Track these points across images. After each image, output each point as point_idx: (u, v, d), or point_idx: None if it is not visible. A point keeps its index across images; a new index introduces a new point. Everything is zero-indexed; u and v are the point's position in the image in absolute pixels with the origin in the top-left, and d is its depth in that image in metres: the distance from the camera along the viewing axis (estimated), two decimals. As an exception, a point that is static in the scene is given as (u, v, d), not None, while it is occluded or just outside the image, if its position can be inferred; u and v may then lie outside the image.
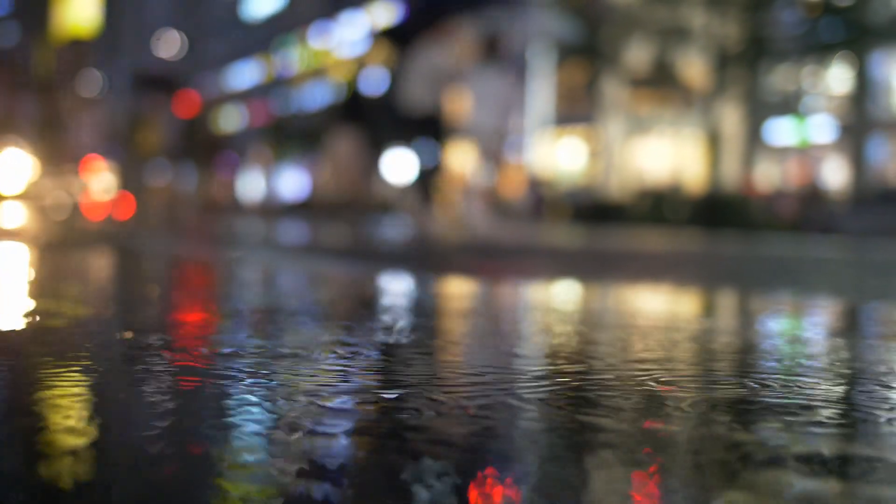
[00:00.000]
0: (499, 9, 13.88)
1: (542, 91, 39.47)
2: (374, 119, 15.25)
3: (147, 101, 70.64)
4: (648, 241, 11.62)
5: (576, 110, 37.96)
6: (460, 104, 11.43)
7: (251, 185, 64.14)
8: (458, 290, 3.77)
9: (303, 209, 41.04)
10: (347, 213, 17.02)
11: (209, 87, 71.41)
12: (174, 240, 8.76)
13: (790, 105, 31.08)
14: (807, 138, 31.62)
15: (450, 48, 11.89)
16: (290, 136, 55.07)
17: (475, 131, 11.39)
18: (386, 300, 3.21)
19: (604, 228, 18.40)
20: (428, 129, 11.43)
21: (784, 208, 22.51)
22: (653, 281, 4.47)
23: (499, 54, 11.89)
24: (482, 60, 11.50)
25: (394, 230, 12.29)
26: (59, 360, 1.60)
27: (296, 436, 1.10)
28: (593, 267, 5.88)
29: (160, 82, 71.81)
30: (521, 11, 17.46)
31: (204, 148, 42.53)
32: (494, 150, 11.50)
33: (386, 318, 2.46)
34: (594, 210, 23.78)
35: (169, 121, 66.77)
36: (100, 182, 40.77)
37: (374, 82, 15.81)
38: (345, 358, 1.68)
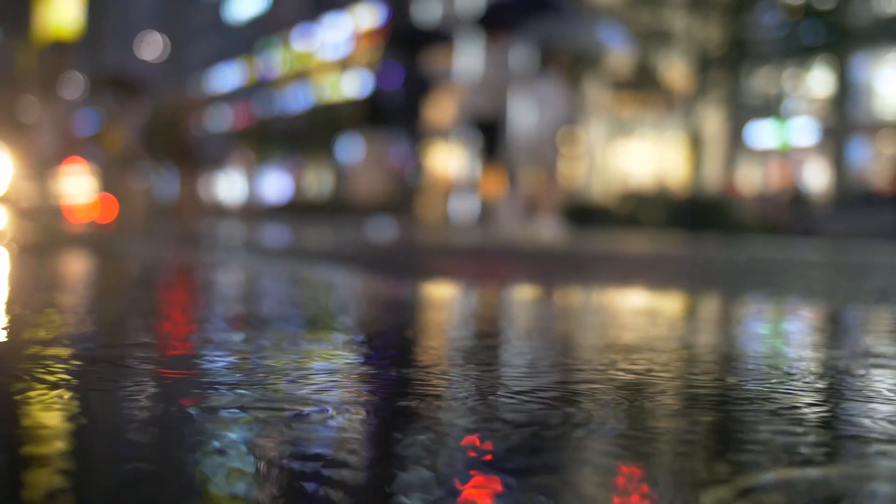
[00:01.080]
0: (554, 20, 14.07)
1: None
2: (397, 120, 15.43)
3: (108, 104, 70.24)
4: (630, 244, 11.64)
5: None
6: (517, 112, 11.71)
7: (233, 187, 63.96)
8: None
9: (285, 211, 40.97)
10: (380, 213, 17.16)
11: (192, 89, 71.16)
12: (154, 244, 8.72)
13: (772, 108, 31.15)
14: (788, 141, 31.71)
15: (506, 57, 12.21)
16: (273, 138, 54.95)
17: (530, 139, 11.61)
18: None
19: (587, 231, 18.42)
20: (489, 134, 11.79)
21: (766, 211, 22.55)
22: (639, 284, 4.46)
23: (553, 64, 12.09)
24: (538, 69, 11.72)
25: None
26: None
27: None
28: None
29: (120, 84, 71.54)
30: (577, 22, 17.80)
31: (178, 150, 42.34)
32: (547, 159, 11.67)
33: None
34: (577, 212, 23.75)
35: (131, 123, 66.45)
36: (80, 184, 40.56)
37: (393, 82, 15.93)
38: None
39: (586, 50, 22.78)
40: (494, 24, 12.94)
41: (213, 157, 51.80)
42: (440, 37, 22.01)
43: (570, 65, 20.39)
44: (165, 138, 47.92)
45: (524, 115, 11.61)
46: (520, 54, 13.32)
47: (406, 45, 16.94)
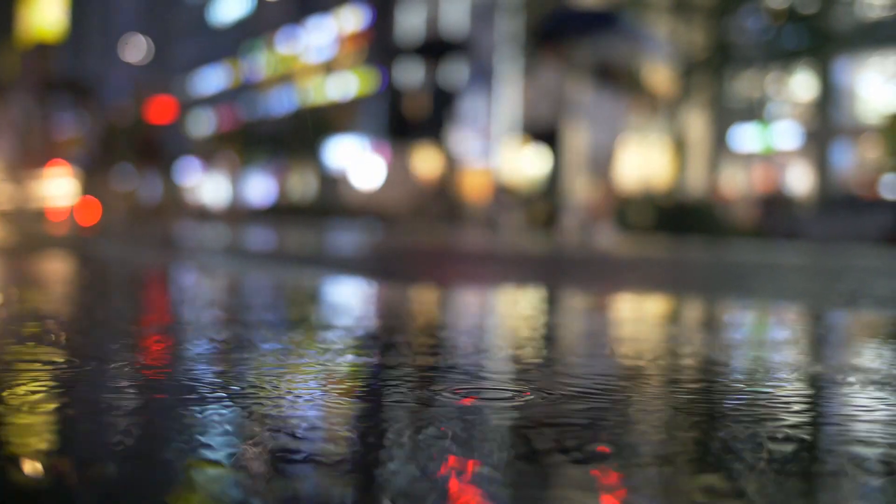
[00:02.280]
0: (612, 35, 14.48)
1: (508, 97, 39.51)
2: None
3: (57, 106, 70.30)
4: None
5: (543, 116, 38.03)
6: (576, 124, 12.05)
7: (217, 190, 63.90)
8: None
9: (269, 215, 40.92)
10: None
11: (176, 91, 71.05)
12: (135, 247, 8.68)
13: (755, 112, 31.22)
14: (771, 145, 31.78)
15: (565, 70, 12.51)
16: (257, 141, 54.92)
17: (589, 149, 11.92)
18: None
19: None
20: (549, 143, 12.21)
21: (749, 214, 22.60)
22: (629, 289, 4.44)
23: (611, 78, 12.39)
24: (595, 83, 12.00)
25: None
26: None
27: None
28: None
29: (69, 86, 71.55)
30: (633, 38, 18.42)
31: (143, 152, 42.29)
32: (605, 169, 11.96)
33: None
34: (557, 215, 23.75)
35: (85, 126, 66.45)
36: (62, 187, 40.49)
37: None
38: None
39: (639, 65, 23.43)
40: (552, 37, 13.24)
41: (176, 153, 51.73)
42: (464, 47, 22.52)
43: (626, 80, 21.01)
44: (127, 140, 47.93)
45: (583, 126, 11.94)
46: (578, 68, 13.66)
47: (430, 56, 17.38)
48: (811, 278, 6.01)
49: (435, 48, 18.93)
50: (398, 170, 17.91)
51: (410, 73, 17.76)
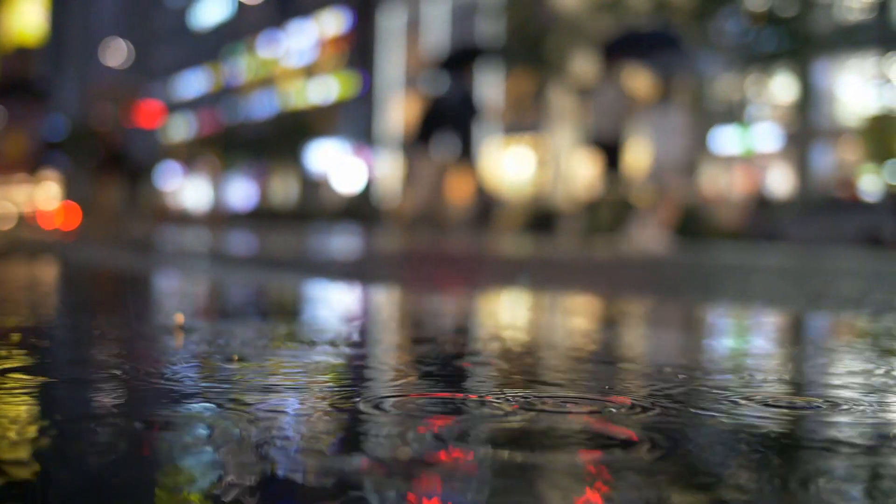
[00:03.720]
0: (673, 54, 15.33)
1: (489, 101, 39.54)
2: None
3: (8, 110, 70.16)
4: (596, 250, 11.65)
5: (523, 119, 38.09)
6: (641, 136, 12.67)
7: (198, 194, 63.77)
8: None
9: (251, 219, 40.82)
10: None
11: (158, 95, 70.89)
12: (115, 252, 8.64)
13: (735, 114, 31.33)
14: (752, 147, 31.89)
15: (630, 86, 13.19)
16: (239, 145, 54.83)
17: (652, 161, 12.55)
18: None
19: (554, 237, 18.45)
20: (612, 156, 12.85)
21: (731, 216, 22.64)
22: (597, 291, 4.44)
23: (675, 93, 13.13)
24: (659, 99, 12.68)
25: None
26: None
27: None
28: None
29: (19, 89, 71.43)
30: (692, 57, 19.18)
31: (106, 158, 42.18)
32: (669, 181, 12.55)
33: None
34: (543, 219, 23.77)
35: (34, 129, 66.36)
36: (44, 192, 40.33)
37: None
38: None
39: (700, 79, 24.23)
40: (618, 52, 14.07)
41: (141, 161, 51.55)
42: (489, 55, 23.05)
43: (691, 95, 21.93)
44: (91, 146, 47.69)
45: (648, 139, 12.53)
46: (643, 82, 14.43)
47: (456, 63, 17.81)
48: (783, 280, 6.03)
49: (464, 56, 19.34)
50: (425, 175, 18.13)
51: (438, 81, 18.21)
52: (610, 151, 13.10)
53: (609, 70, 13.58)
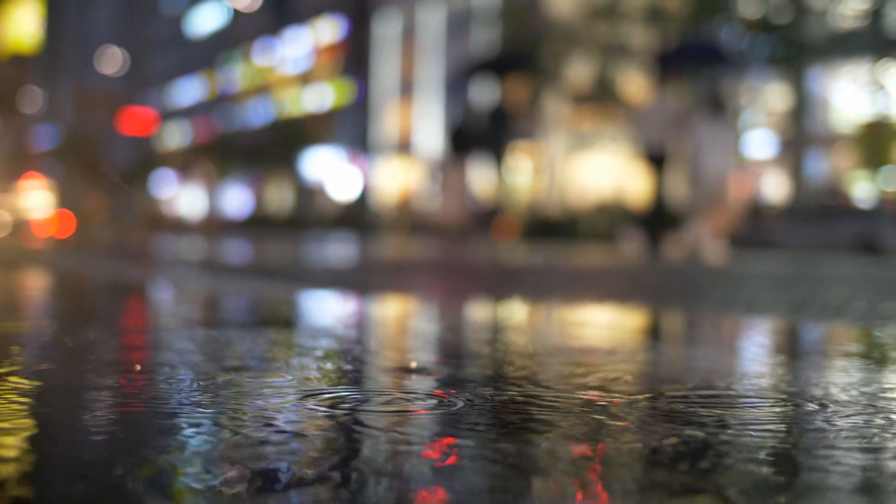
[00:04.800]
0: (722, 67, 15.82)
1: (484, 108, 39.52)
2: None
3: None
4: (592, 258, 11.67)
5: (518, 127, 38.09)
6: (686, 148, 13.03)
7: (193, 201, 63.74)
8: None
9: (246, 226, 40.80)
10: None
11: (153, 103, 70.88)
12: (110, 261, 8.64)
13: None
14: (746, 153, 31.93)
15: (678, 98, 13.61)
16: (234, 152, 54.81)
17: (702, 173, 12.84)
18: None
19: (553, 245, 18.45)
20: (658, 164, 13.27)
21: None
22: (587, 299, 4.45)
23: (722, 107, 13.43)
24: (707, 111, 12.96)
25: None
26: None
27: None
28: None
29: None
30: (741, 70, 19.74)
31: (87, 167, 42.17)
32: (720, 191, 12.84)
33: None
34: (539, 227, 23.78)
35: (22, 137, 66.28)
36: (38, 200, 40.29)
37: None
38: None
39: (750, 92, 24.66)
40: (672, 66, 14.43)
41: (119, 170, 51.49)
42: (522, 65, 23.43)
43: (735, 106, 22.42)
44: (77, 157, 47.74)
45: (696, 149, 12.84)
46: (693, 95, 14.90)
47: (492, 73, 18.21)
48: (771, 287, 6.04)
49: (505, 64, 19.72)
50: (456, 185, 18.39)
51: (478, 90, 18.56)
52: (659, 164, 13.45)
53: (659, 83, 13.89)
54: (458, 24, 41.17)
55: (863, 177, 26.94)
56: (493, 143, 16.95)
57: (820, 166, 30.37)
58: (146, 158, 64.24)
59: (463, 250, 12.75)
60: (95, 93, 64.81)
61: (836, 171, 29.46)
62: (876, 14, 25.30)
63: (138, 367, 1.92)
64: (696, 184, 13.13)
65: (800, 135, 30.21)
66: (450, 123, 17.51)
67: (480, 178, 19.24)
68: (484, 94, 18.06)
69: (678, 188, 14.08)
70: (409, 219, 38.27)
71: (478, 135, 16.48)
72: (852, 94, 28.38)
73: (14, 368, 1.85)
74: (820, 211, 23.02)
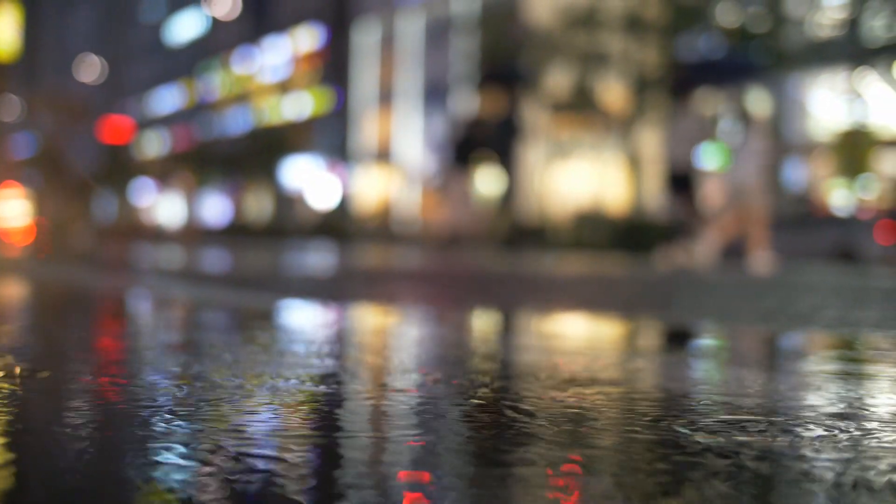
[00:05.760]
0: (746, 82, 16.31)
1: (463, 115, 39.57)
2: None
3: None
4: (569, 266, 11.67)
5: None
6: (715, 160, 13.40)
7: (172, 210, 63.56)
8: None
9: (225, 235, 40.68)
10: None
11: (132, 111, 70.69)
12: (85, 270, 8.58)
13: (708, 129, 31.45)
14: (726, 161, 32.00)
15: (702, 114, 13.96)
16: (213, 161, 54.73)
17: (732, 180, 13.20)
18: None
19: (529, 253, 18.46)
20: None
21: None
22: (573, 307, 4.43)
23: (749, 118, 13.78)
24: (740, 123, 13.33)
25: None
26: None
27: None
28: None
29: None
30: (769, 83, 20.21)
31: (55, 174, 42.02)
32: (753, 201, 13.14)
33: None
34: (516, 234, 23.79)
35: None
36: (15, 209, 40.07)
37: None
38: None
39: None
40: (692, 80, 14.84)
41: (84, 174, 51.26)
42: (524, 76, 23.74)
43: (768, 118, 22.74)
44: (47, 164, 47.55)
45: (727, 164, 13.21)
46: (723, 109, 15.27)
47: (500, 84, 18.46)
48: (739, 296, 6.03)
49: (506, 75, 20.07)
50: (458, 192, 18.52)
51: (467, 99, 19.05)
52: (686, 179, 13.73)
53: (684, 98, 14.16)
54: (438, 33, 41.21)
55: (840, 185, 27.05)
56: (498, 151, 17.19)
57: (798, 174, 30.48)
58: (120, 164, 63.92)
59: (474, 259, 12.75)
60: (57, 97, 64.40)
61: (814, 179, 29.58)
62: (853, 23, 25.44)
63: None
64: (727, 194, 13.36)
65: (778, 143, 30.33)
66: (452, 132, 17.65)
67: (484, 186, 19.47)
68: (489, 103, 18.28)
69: (708, 200, 14.33)
70: (388, 227, 38.26)
71: (482, 144, 16.63)
72: (830, 103, 28.52)
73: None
74: (797, 219, 23.09)
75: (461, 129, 17.41)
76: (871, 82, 26.14)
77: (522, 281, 7.70)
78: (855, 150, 26.37)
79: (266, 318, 3.81)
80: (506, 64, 26.39)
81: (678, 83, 15.34)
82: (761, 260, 12.84)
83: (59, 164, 44.34)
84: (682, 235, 14.40)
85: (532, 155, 35.54)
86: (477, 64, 30.05)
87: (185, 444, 1.27)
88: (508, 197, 20.16)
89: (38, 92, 66.36)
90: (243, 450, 1.25)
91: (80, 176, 46.77)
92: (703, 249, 13.16)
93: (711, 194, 13.96)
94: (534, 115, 32.34)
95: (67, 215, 37.94)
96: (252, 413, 1.53)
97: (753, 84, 17.13)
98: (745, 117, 13.53)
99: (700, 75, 15.83)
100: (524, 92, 27.66)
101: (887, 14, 24.31)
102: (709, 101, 15.64)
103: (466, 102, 38.30)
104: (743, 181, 13.22)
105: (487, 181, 18.93)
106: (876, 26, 24.76)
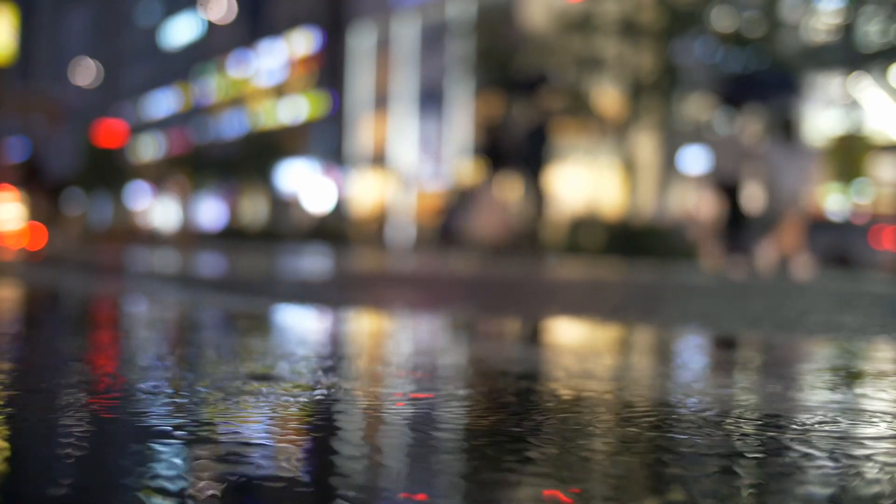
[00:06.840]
0: (789, 97, 16.59)
1: (460, 120, 39.61)
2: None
3: None
4: (564, 270, 11.68)
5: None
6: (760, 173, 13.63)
7: (167, 213, 63.55)
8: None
9: (221, 238, 40.67)
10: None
11: (127, 115, 70.64)
12: (82, 274, 8.57)
13: (703, 134, 31.50)
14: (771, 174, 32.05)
15: (747, 129, 14.16)
16: (208, 164, 54.73)
17: (775, 195, 13.47)
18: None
19: (521, 257, 18.46)
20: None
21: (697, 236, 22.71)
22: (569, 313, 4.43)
23: (794, 132, 14.12)
24: (777, 139, 13.59)
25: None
26: None
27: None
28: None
29: None
30: (807, 99, 20.55)
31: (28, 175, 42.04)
32: (795, 211, 13.44)
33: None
34: (519, 239, 23.78)
35: None
36: (10, 212, 40.05)
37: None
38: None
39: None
40: (736, 95, 15.04)
41: (56, 175, 51.17)
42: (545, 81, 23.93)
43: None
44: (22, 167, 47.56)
45: (773, 174, 13.43)
46: (765, 122, 15.50)
47: (524, 89, 18.66)
48: (726, 300, 6.04)
49: (532, 81, 20.25)
50: (491, 200, 18.81)
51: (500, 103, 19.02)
52: (731, 192, 14.03)
53: (728, 113, 14.44)
54: (433, 37, 41.24)
55: (835, 190, 27.10)
56: (529, 160, 17.42)
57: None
58: (115, 167, 63.87)
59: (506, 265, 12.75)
60: (31, 100, 64.27)
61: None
62: (848, 28, 25.48)
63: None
64: (772, 205, 13.60)
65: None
66: (483, 140, 17.91)
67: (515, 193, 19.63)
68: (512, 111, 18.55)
69: (752, 209, 14.56)
70: (383, 231, 38.27)
71: (513, 152, 16.83)
72: (825, 108, 28.57)
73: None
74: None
75: (489, 136, 17.61)
76: (866, 87, 26.20)
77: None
78: (850, 155, 26.43)
79: (260, 322, 3.81)
80: (530, 70, 26.48)
81: (726, 97, 15.60)
82: (802, 266, 13.07)
83: (33, 167, 44.30)
84: (725, 244, 14.69)
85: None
86: (474, 68, 30.04)
87: (178, 455, 1.27)
88: (538, 204, 20.30)
89: (10, 94, 66.10)
90: (237, 456, 1.25)
91: (53, 179, 46.71)
92: (763, 259, 13.41)
93: (755, 204, 14.20)
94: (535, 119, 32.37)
95: (70, 219, 37.97)
96: (246, 420, 1.53)
97: (797, 98, 17.51)
98: (789, 130, 13.77)
99: (746, 90, 16.11)
100: (549, 97, 27.63)
101: (882, 19, 24.37)
102: (755, 115, 15.85)
103: (466, 107, 38.33)
104: (792, 192, 13.47)
105: (516, 188, 19.09)
106: (871, 31, 24.81)
